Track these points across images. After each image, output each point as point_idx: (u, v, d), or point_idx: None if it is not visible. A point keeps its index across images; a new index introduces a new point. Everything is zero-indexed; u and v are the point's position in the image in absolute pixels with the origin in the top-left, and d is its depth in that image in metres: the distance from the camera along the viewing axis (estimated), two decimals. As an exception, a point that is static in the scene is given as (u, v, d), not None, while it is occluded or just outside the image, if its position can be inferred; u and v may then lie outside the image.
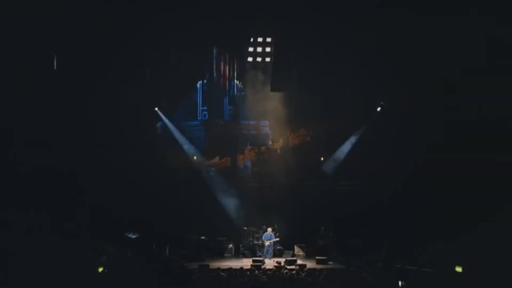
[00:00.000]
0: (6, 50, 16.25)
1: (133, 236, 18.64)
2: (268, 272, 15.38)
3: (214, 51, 22.76)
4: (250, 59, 21.50)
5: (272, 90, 20.59)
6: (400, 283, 13.87)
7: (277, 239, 19.33)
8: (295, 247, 20.17)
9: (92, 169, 18.84)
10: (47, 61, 18.07)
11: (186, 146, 22.30)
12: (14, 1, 15.81)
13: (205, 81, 23.12)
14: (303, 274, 15.16)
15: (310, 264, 17.93)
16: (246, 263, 18.10)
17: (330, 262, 18.46)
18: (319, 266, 17.61)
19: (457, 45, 17.05)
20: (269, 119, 22.66)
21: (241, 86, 23.14)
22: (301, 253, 20.09)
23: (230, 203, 21.15)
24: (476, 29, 16.40)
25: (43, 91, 17.57)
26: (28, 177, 17.52)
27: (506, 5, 15.85)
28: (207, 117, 23.35)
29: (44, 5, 16.21)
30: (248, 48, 21.33)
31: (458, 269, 14.63)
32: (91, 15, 17.05)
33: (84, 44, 17.85)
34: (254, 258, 18.52)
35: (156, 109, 21.90)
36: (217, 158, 22.64)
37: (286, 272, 15.33)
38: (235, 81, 23.22)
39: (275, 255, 19.26)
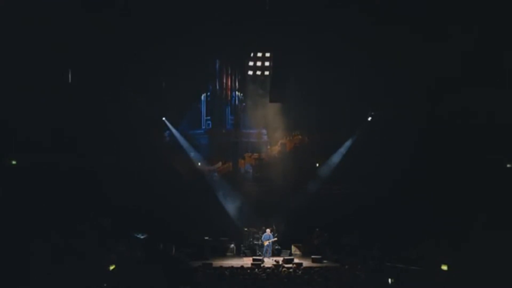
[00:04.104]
0: (28, 66, 16.34)
1: (142, 237, 18.58)
2: (267, 270, 15.33)
3: (217, 65, 22.88)
4: (250, 72, 21.53)
5: (271, 101, 20.65)
6: (390, 280, 13.84)
7: (276, 239, 19.25)
8: (292, 246, 20.08)
9: (105, 173, 18.86)
10: (65, 75, 18.25)
11: (191, 152, 22.32)
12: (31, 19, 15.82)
13: (208, 93, 23.23)
14: (300, 272, 15.13)
15: (306, 263, 17.86)
16: (247, 261, 18.02)
17: (325, 261, 18.39)
18: (314, 265, 17.55)
19: (439, 59, 17.12)
20: (268, 127, 22.70)
21: (242, 97, 23.21)
22: (298, 252, 20.01)
23: (231, 205, 21.11)
24: (457, 44, 16.51)
25: (65, 102, 17.75)
26: (49, 178, 17.59)
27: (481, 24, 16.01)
28: (210, 126, 23.43)
29: (60, 22, 16.27)
30: (248, 62, 21.37)
31: (444, 267, 14.61)
32: (106, 34, 17.15)
33: (101, 63, 17.99)
34: (254, 257, 18.45)
35: (163, 119, 21.95)
36: (219, 164, 22.67)
37: (284, 270, 15.29)
38: (237, 92, 23.30)
39: (274, 254, 19.16)
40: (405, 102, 18.90)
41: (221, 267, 16.00)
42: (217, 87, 23.21)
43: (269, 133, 22.87)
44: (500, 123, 17.14)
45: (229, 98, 23.37)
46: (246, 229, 20.16)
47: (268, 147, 23.01)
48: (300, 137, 22.95)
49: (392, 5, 16.60)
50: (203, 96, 23.27)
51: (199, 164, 22.30)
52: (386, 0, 16.77)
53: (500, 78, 16.71)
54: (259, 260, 17.96)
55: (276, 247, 19.53)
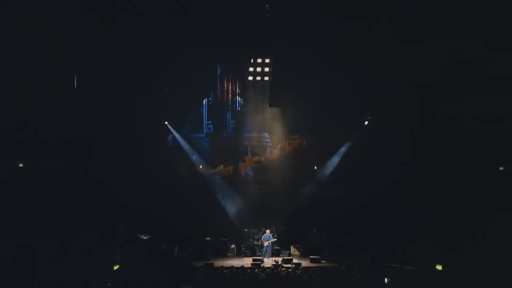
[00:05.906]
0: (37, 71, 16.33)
1: (145, 237, 18.57)
2: (267, 270, 15.34)
3: (218, 71, 22.95)
4: (250, 78, 21.56)
5: (271, 105, 20.67)
6: (386, 280, 13.83)
7: (275, 239, 19.24)
8: (291, 247, 20.06)
9: (108, 175, 18.87)
10: (68, 79, 18.26)
11: (194, 156, 22.34)
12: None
13: (210, 98, 23.27)
14: (299, 272, 15.14)
15: (305, 263, 17.84)
16: (247, 262, 18.00)
17: (323, 261, 18.36)
18: (313, 265, 17.54)
19: (437, 61, 17.14)
20: (268, 131, 22.72)
21: (243, 102, 23.24)
22: (296, 252, 19.99)
23: (232, 207, 21.11)
24: (450, 49, 16.55)
25: (66, 105, 17.76)
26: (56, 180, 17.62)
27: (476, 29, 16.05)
28: (212, 130, 23.41)
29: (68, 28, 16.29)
30: (248, 68, 21.41)
31: (438, 267, 14.59)
32: (108, 39, 17.17)
33: (103, 68, 18.01)
34: (254, 257, 18.44)
35: (166, 123, 21.99)
36: (221, 167, 22.68)
37: (283, 270, 15.30)
38: (237, 97, 23.32)
39: (273, 254, 19.15)
40: (403, 103, 18.89)
41: (222, 267, 15.98)
42: (219, 92, 23.27)
43: (269, 136, 22.89)
44: (499, 126, 17.15)
45: (230, 103, 23.41)
46: (246, 230, 20.16)
47: (268, 151, 23.02)
48: (299, 140, 22.94)
49: (390, 8, 16.62)
50: (204, 101, 23.30)
51: (201, 167, 22.33)
52: (385, 3, 16.78)
53: (498, 82, 16.72)
54: (259, 260, 17.95)
55: (276, 247, 19.51)
